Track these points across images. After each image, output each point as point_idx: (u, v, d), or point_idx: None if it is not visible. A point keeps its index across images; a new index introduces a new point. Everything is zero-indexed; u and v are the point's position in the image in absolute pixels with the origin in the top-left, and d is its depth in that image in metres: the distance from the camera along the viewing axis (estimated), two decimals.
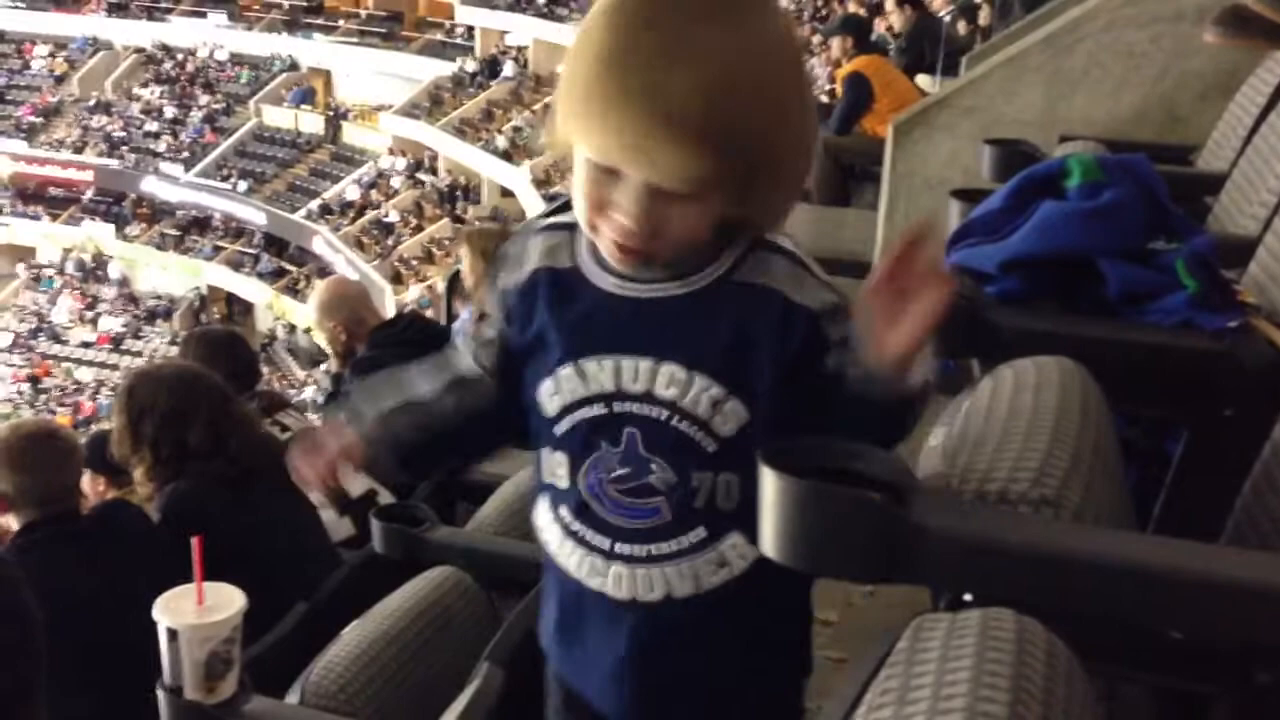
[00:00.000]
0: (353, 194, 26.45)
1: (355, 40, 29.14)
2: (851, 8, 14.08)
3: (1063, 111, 3.62)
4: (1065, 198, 1.73)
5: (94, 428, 14.90)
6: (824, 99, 8.10)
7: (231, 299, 27.52)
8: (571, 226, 1.23)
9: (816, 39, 17.20)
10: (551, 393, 1.23)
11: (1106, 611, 1.05)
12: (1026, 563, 1.02)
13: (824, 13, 19.58)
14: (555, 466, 1.26)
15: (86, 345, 26.89)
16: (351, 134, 28.18)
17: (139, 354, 25.60)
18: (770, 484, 0.99)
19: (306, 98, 28.92)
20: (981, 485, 1.11)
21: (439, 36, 28.42)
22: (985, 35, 7.66)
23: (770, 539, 1.01)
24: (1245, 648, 1.06)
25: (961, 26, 8.35)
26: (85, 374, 25.64)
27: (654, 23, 1.08)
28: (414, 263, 24.36)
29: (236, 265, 27.25)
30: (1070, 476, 1.12)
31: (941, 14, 7.98)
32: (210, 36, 30.34)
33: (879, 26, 9.24)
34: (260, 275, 26.77)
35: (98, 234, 28.48)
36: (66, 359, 26.43)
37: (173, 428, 2.53)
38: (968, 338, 1.59)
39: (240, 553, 1.44)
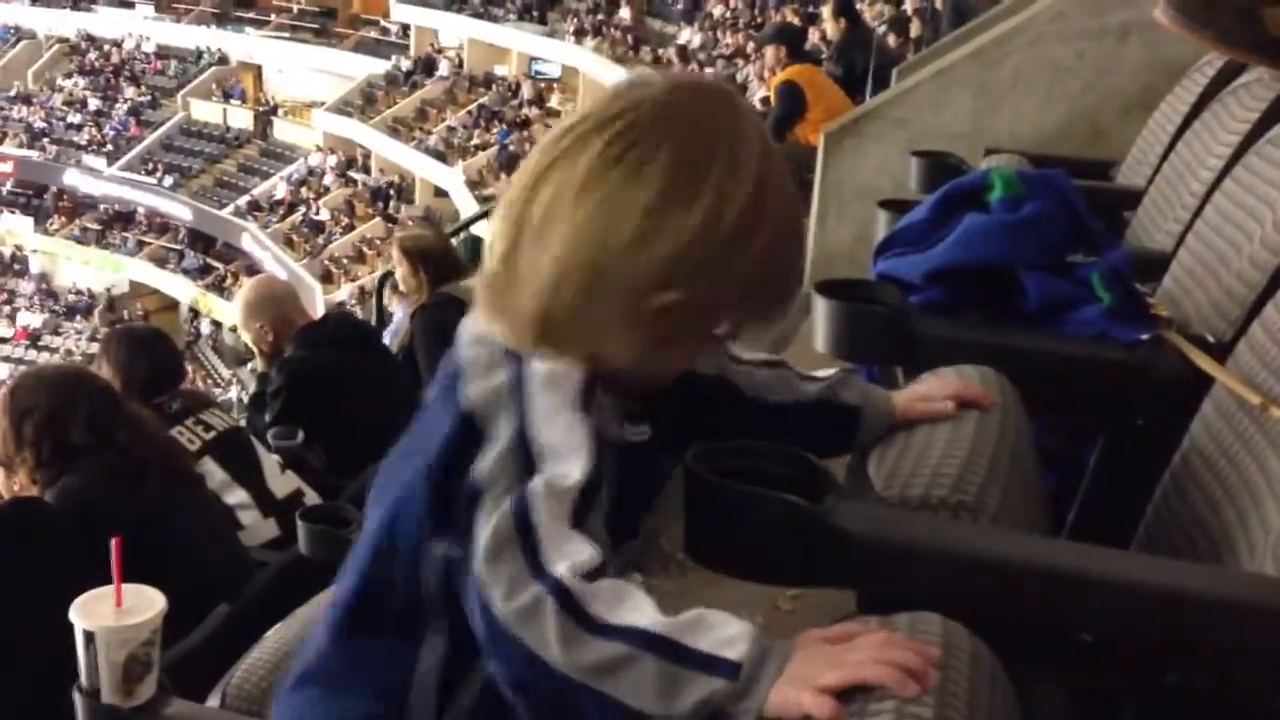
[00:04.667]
0: (282, 191, 26.07)
1: (287, 35, 28.74)
2: (787, 16, 14.23)
3: (990, 124, 3.69)
4: (988, 210, 1.77)
5: None
6: (758, 107, 8.18)
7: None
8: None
9: (751, 47, 17.36)
10: None
11: (1021, 614, 1.07)
12: (944, 566, 1.05)
13: (759, 21, 19.77)
14: None
15: (3, 341, 26.18)
16: (282, 130, 27.78)
17: (57, 350, 25.00)
18: (693, 487, 1.01)
19: (236, 92, 28.47)
20: (904, 491, 1.13)
21: (373, 34, 28.14)
22: (917, 47, 7.79)
23: (693, 542, 1.03)
24: (1156, 650, 1.09)
25: (893, 39, 8.48)
26: (1, 370, 24.96)
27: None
28: (345, 262, 24.08)
29: (161, 261, 26.72)
30: (989, 482, 1.15)
31: (875, 25, 8.10)
32: (137, 28, 29.73)
33: (813, 36, 9.34)
34: (185, 272, 26.27)
35: (16, 227, 27.76)
36: None
37: (53, 427, 2.48)
38: (892, 346, 1.62)
39: (136, 545, 1.41)
